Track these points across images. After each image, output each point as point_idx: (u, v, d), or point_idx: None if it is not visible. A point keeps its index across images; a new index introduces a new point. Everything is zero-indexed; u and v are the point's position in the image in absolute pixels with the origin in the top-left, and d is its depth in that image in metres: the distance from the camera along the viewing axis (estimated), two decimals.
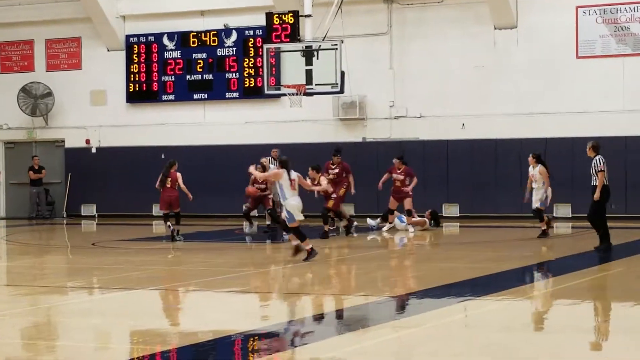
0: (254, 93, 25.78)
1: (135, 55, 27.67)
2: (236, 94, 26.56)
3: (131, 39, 27.60)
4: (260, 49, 23.61)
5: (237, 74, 26.50)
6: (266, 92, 22.34)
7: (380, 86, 24.99)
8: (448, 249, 18.78)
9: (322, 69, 20.59)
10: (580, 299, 11.74)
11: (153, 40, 27.40)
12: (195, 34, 26.96)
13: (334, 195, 19.57)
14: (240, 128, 26.13)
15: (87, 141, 27.94)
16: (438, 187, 24.29)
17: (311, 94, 21.37)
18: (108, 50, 27.78)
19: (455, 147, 24.16)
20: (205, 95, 26.88)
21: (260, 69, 23.84)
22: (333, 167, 20.91)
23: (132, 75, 27.72)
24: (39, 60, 28.81)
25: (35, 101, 28.14)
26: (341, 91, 21.16)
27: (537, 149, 21.19)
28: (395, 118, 24.98)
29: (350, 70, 20.91)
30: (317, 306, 12.38)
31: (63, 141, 28.54)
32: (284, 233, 18.69)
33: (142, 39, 27.55)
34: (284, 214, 15.52)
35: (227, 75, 26.67)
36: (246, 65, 26.16)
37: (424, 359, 8.26)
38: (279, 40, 22.09)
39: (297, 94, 21.13)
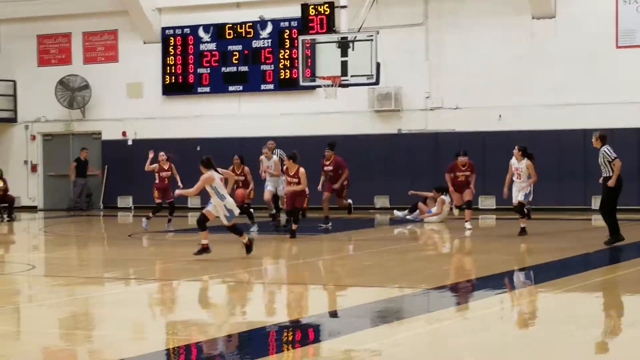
0: (289, 85, 25.81)
1: (171, 47, 27.85)
2: (271, 86, 26.65)
3: (167, 31, 27.78)
4: (296, 41, 23.65)
5: (272, 65, 26.58)
6: (301, 83, 22.38)
7: (416, 77, 24.88)
8: (485, 241, 18.53)
9: (357, 61, 20.58)
10: (624, 292, 11.47)
11: (189, 32, 27.56)
12: (230, 25, 27.01)
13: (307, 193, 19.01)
14: (275, 120, 26.10)
15: (124, 133, 28.22)
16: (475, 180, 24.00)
17: (346, 86, 21.35)
18: (144, 43, 27.94)
19: (491, 139, 23.99)
20: (241, 87, 26.96)
21: (296, 61, 23.77)
22: (327, 163, 20.77)
23: (168, 68, 27.93)
24: (76, 53, 29.13)
25: (73, 94, 28.36)
26: (377, 82, 21.15)
27: (573, 140, 22.20)
28: (431, 109, 24.88)
29: (386, 62, 20.87)
30: (352, 298, 12.29)
31: (100, 133, 28.86)
32: (252, 227, 19.19)
33: (178, 32, 27.71)
34: (223, 213, 15.20)
35: (262, 67, 26.76)
36: (281, 57, 26.21)
37: (458, 352, 8.18)
38: (314, 32, 22.55)
39: (332, 86, 21.16)
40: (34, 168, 30.08)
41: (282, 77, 26.30)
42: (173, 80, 27.85)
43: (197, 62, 27.53)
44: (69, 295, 12.56)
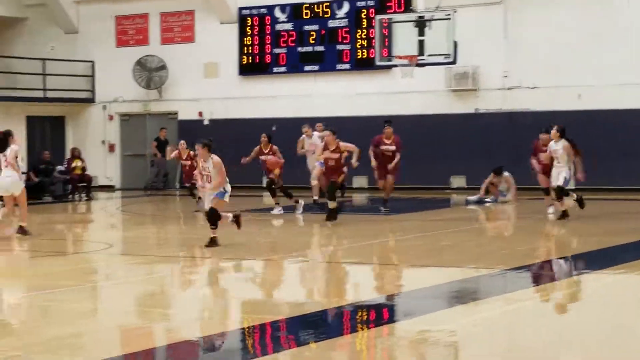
0: (365, 65, 25.95)
1: (248, 27, 28.08)
2: (347, 66, 26.79)
3: (244, 11, 27.99)
4: (373, 20, 23.67)
5: (349, 45, 26.70)
6: (378, 63, 22.38)
7: (493, 56, 24.91)
8: (561, 222, 17.99)
9: (434, 40, 20.54)
10: None
11: (265, 12, 27.75)
12: (307, 5, 27.14)
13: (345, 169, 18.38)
14: (350, 100, 26.35)
15: (200, 114, 28.57)
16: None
17: (423, 65, 21.14)
18: (221, 23, 28.19)
19: (570, 119, 22.54)
20: (317, 67, 27.20)
21: (373, 40, 23.87)
22: (388, 142, 20.13)
23: (244, 48, 28.20)
24: (154, 34, 29.58)
25: (150, 74, 28.91)
26: (454, 62, 21.21)
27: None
28: (508, 89, 24.86)
29: (463, 41, 20.96)
30: (428, 278, 12.30)
31: (176, 113, 29.26)
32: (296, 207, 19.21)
33: (255, 12, 27.92)
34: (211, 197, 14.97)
35: (338, 47, 26.88)
36: (358, 37, 26.33)
37: (535, 334, 8.25)
38: (391, 11, 23.51)
39: (409, 65, 21.23)
40: (111, 148, 30.50)
41: (358, 56, 26.40)
42: (249, 61, 28.12)
43: (273, 42, 27.71)
44: (146, 274, 12.89)
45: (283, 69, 27.69)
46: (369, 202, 24.81)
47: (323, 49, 27.24)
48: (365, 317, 9.53)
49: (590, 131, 23.14)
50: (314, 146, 21.00)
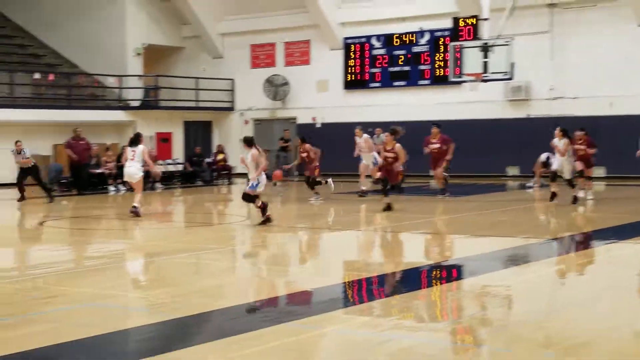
0: (441, 81, 27.72)
1: (351, 52, 30.27)
2: (427, 82, 28.79)
3: (348, 40, 30.25)
4: (448, 46, 25.68)
5: (429, 65, 28.72)
6: (451, 79, 24.84)
7: (542, 74, 26.55)
8: (599, 203, 19.40)
9: (496, 61, 22.40)
10: None
11: (365, 41, 29.94)
12: (397, 35, 29.30)
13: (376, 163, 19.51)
14: (429, 108, 27.89)
15: (313, 119, 30.91)
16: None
17: (486, 81, 23.33)
18: (330, 50, 30.61)
19: (604, 122, 25.00)
20: (404, 83, 29.34)
21: (447, 62, 25.90)
22: (433, 141, 20.56)
23: (348, 68, 30.42)
24: (279, 58, 32.16)
25: (276, 89, 31.52)
26: (511, 78, 23.34)
27: None
28: (553, 99, 26.61)
29: (518, 61, 22.75)
30: (487, 246, 13.41)
31: (295, 118, 31.59)
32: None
33: (356, 40, 30.11)
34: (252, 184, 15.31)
35: (420, 67, 29.00)
36: (436, 59, 28.39)
37: (575, 289, 9.75)
38: (462, 39, 24.54)
39: (475, 81, 23.66)
40: None
41: (436, 74, 28.37)
42: (352, 78, 30.30)
43: (370, 63, 29.84)
44: (272, 241, 14.41)
45: (378, 84, 29.83)
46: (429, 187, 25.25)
47: (409, 68, 29.18)
48: (438, 275, 10.81)
49: (619, 132, 24.74)
50: (360, 145, 21.76)
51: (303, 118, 31.56)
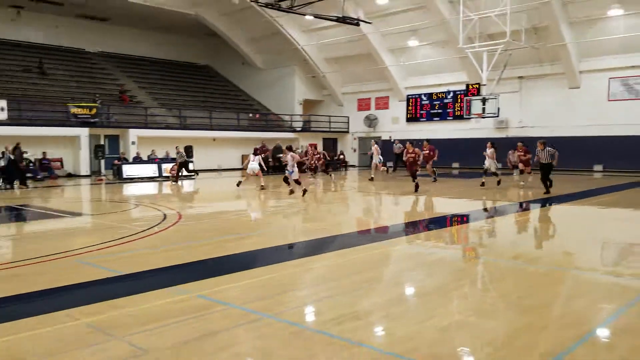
0: (458, 117, 29.28)
1: (411, 102, 32.11)
2: (451, 118, 30.40)
3: (409, 96, 31.97)
4: (462, 98, 27.32)
5: (452, 109, 30.37)
6: (464, 116, 26.65)
7: (514, 114, 27.44)
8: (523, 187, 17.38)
9: (489, 106, 24.34)
10: None
11: (417, 95, 31.65)
12: (435, 93, 30.82)
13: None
14: (451, 132, 29.29)
15: (390, 137, 32.17)
16: None
17: (483, 117, 25.02)
18: (399, 101, 32.51)
19: (548, 140, 24.44)
20: (438, 118, 31.00)
21: (462, 107, 26.99)
22: (425, 149, 19.15)
23: (409, 110, 32.35)
24: (372, 104, 34.06)
25: (370, 121, 33.81)
26: (497, 116, 25.09)
27: None
28: (521, 127, 27.24)
29: (502, 107, 24.94)
30: (475, 204, 13.48)
31: (380, 137, 32.57)
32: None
33: (413, 95, 31.83)
34: (289, 171, 14.98)
35: (447, 110, 30.66)
36: (456, 105, 29.85)
37: (518, 229, 9.78)
38: (470, 94, 25.86)
39: (477, 117, 25.67)
40: (354, 150, 34.77)
41: (456, 113, 29.90)
42: (410, 116, 32.22)
43: (421, 108, 31.69)
44: (371, 201, 14.71)
45: (424, 119, 31.50)
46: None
47: (441, 110, 30.92)
48: (455, 219, 10.78)
49: (555, 143, 25.30)
50: (376, 150, 21.21)
51: (384, 136, 32.89)
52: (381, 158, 20.99)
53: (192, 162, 23.60)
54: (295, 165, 14.73)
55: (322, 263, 6.80)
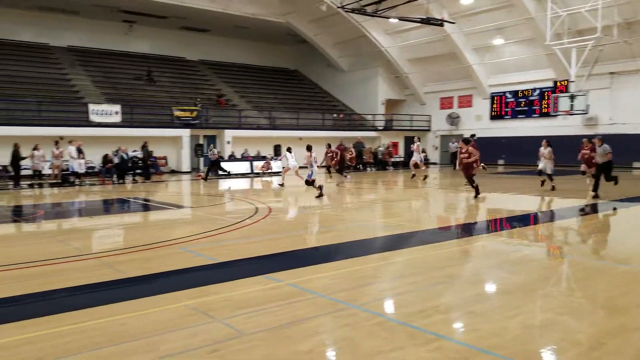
0: (545, 114, 28.40)
1: (495, 100, 31.19)
2: (538, 115, 29.14)
3: (493, 94, 31.13)
4: (549, 96, 26.80)
5: (538, 106, 29.17)
6: (552, 113, 25.65)
7: (604, 110, 26.17)
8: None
9: (577, 103, 23.47)
10: None
11: (502, 93, 30.63)
12: (521, 90, 29.65)
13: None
14: (537, 129, 27.91)
15: (472, 135, 28.42)
16: None
17: (571, 114, 24.40)
18: (483, 99, 31.60)
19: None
20: (524, 116, 29.59)
21: (549, 103, 26.72)
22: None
23: (493, 108, 31.44)
24: (455, 103, 33.40)
25: (452, 120, 33.23)
26: (586, 113, 24.21)
27: None
28: (611, 124, 25.95)
29: (591, 104, 23.71)
30: (562, 202, 12.90)
31: (462, 134, 29.11)
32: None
33: (498, 93, 30.81)
34: (308, 173, 14.22)
35: (533, 107, 29.39)
36: (543, 103, 28.79)
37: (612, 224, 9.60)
38: (558, 91, 25.39)
39: (565, 114, 25.01)
40: (435, 148, 34.04)
41: (543, 111, 28.79)
42: (494, 113, 31.28)
43: (505, 105, 30.63)
44: (448, 198, 14.18)
45: (509, 116, 30.41)
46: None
47: (527, 108, 29.67)
48: (536, 218, 10.50)
49: None
50: (417, 148, 20.25)
51: (467, 134, 29.94)
52: (422, 157, 20.15)
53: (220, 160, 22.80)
54: (315, 165, 14.21)
55: (403, 258, 6.76)
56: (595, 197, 12.84)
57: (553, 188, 14.76)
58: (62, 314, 4.57)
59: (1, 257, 6.99)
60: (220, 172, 21.64)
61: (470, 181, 13.26)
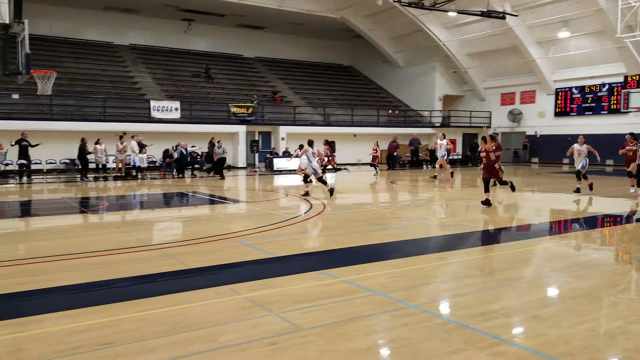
0: (614, 111, 27.73)
1: (560, 95, 30.13)
2: (606, 112, 28.27)
3: (558, 89, 30.47)
4: (620, 91, 26.95)
5: (607, 102, 28.32)
6: (622, 110, 26.22)
7: None
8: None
9: None
10: None
11: (567, 89, 29.94)
12: (588, 86, 28.84)
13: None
14: (604, 127, 27.50)
15: (535, 132, 31.07)
16: None
17: None
18: (547, 95, 31.01)
19: None
20: (591, 112, 29.04)
21: (619, 99, 26.88)
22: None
23: (557, 105, 30.11)
24: (517, 99, 32.62)
25: (514, 116, 32.21)
26: None
27: None
28: None
29: None
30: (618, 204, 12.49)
31: (524, 132, 32.14)
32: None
33: (563, 89, 30.08)
34: (310, 170, 13.24)
35: (602, 103, 28.37)
36: (612, 99, 28.06)
37: None
38: (629, 87, 25.99)
39: (637, 111, 25.15)
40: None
41: (612, 107, 28.10)
42: (558, 110, 30.56)
43: (571, 102, 29.88)
44: (508, 198, 13.43)
45: (574, 113, 29.71)
46: None
47: (594, 104, 28.92)
48: (606, 220, 10.13)
49: None
50: (439, 145, 19.34)
51: (529, 132, 31.96)
52: (445, 154, 19.04)
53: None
54: (313, 161, 13.50)
55: (462, 258, 6.64)
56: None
57: (591, 187, 14.16)
58: (124, 302, 4.76)
59: (69, 246, 7.38)
60: (217, 175, 20.60)
61: (502, 182, 12.29)
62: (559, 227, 9.30)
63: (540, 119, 31.31)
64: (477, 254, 6.91)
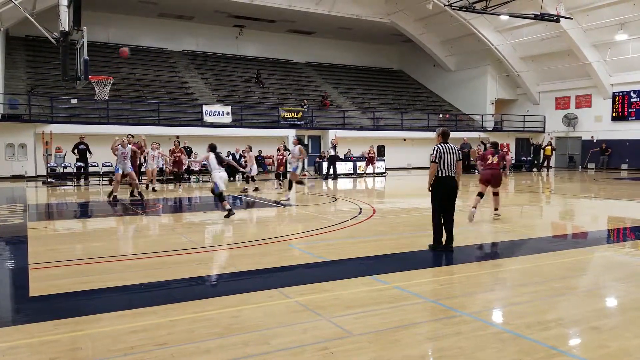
0: None
1: (617, 100, 29.15)
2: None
3: (615, 93, 29.52)
4: None
5: None
6: None
7: None
8: None
9: None
10: None
11: (625, 92, 29.14)
12: None
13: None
14: None
15: (592, 137, 30.75)
16: None
17: None
18: (603, 99, 29.90)
19: None
20: (633, 118, 28.48)
21: None
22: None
23: (614, 108, 29.22)
24: (572, 103, 31.85)
25: (569, 121, 31.27)
26: None
27: None
28: None
29: None
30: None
31: (580, 137, 31.35)
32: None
33: (621, 93, 29.41)
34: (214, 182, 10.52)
35: None
36: None
37: None
38: None
39: None
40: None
41: None
42: (615, 114, 29.67)
43: (629, 106, 28.91)
44: (563, 203, 13.78)
45: (633, 118, 28.83)
46: None
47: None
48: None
49: None
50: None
51: (585, 137, 31.22)
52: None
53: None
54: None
55: (517, 266, 6.47)
56: None
57: None
58: (178, 303, 4.82)
59: (125, 247, 7.71)
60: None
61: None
62: (619, 235, 9.08)
63: (597, 124, 30.53)
64: (533, 262, 6.72)
